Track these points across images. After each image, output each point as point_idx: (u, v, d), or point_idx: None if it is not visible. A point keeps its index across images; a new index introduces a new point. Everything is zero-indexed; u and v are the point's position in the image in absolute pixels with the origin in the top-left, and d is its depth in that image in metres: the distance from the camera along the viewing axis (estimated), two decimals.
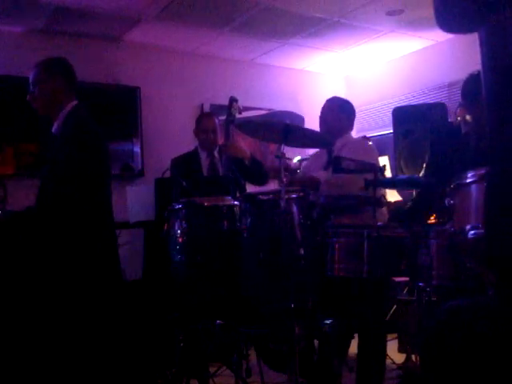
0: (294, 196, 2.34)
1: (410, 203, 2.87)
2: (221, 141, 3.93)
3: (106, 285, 2.58)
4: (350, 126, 3.37)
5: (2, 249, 2.55)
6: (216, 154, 3.98)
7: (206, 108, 5.57)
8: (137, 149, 5.18)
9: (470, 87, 2.80)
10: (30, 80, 2.72)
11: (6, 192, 3.45)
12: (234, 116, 3.49)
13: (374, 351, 2.60)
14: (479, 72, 2.86)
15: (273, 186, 3.58)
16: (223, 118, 3.81)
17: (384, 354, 2.76)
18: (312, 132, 2.69)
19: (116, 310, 2.62)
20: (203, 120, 4.06)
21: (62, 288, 2.47)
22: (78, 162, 2.53)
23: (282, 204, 2.20)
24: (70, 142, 2.56)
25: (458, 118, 2.90)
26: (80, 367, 2.45)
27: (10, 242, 2.56)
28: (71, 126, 2.62)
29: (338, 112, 3.29)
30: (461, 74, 2.91)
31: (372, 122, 6.38)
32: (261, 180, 3.80)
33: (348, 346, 2.89)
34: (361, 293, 2.47)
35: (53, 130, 2.70)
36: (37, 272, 2.48)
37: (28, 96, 2.72)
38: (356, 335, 2.72)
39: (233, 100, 3.48)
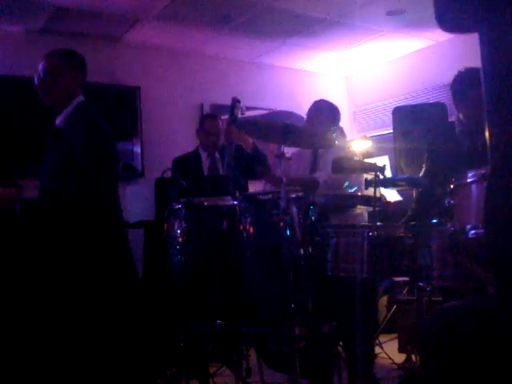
0: (293, 196, 2.34)
1: (412, 207, 2.86)
2: (222, 141, 3.93)
3: (120, 281, 2.57)
4: (335, 129, 3.47)
5: (15, 241, 2.54)
6: (217, 154, 3.97)
7: (206, 108, 5.57)
8: (137, 149, 5.18)
9: (459, 85, 2.80)
10: (45, 66, 2.63)
11: (21, 193, 3.43)
12: (237, 117, 3.49)
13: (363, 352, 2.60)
14: (466, 69, 2.86)
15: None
16: (225, 117, 3.80)
17: (372, 355, 2.77)
18: (312, 132, 2.69)
19: (129, 308, 2.61)
20: (207, 122, 4.05)
21: (72, 283, 2.45)
22: (97, 156, 2.49)
23: (282, 204, 2.20)
24: (85, 135, 2.50)
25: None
26: (81, 366, 2.45)
27: (25, 236, 2.55)
28: (83, 119, 2.56)
29: (326, 115, 3.34)
30: None
31: (372, 122, 6.39)
32: (259, 174, 3.77)
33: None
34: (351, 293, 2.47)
35: (57, 122, 2.64)
36: (49, 265, 2.47)
37: (37, 81, 2.64)
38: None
39: (235, 101, 3.48)
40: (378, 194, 2.46)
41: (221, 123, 4.01)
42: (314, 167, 3.36)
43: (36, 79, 2.65)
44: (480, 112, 2.70)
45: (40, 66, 2.65)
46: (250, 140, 3.68)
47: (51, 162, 2.62)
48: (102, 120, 2.60)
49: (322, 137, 2.82)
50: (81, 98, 2.67)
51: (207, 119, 4.15)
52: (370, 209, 2.59)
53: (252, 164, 3.64)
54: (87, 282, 2.45)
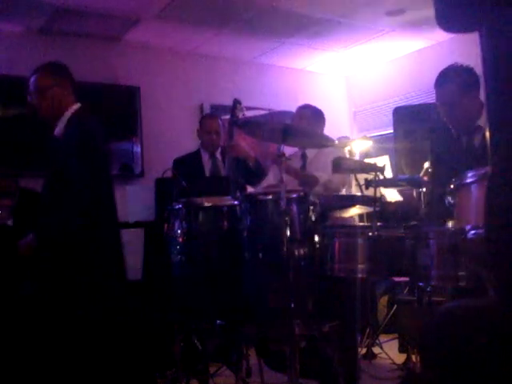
0: (294, 196, 2.34)
1: (424, 211, 2.85)
2: (223, 142, 3.94)
3: (110, 285, 2.58)
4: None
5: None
6: (218, 154, 3.99)
7: (206, 108, 5.57)
8: (137, 149, 5.18)
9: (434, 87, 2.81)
10: (33, 85, 2.68)
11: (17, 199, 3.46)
12: (238, 117, 3.50)
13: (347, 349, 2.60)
14: (454, 66, 2.86)
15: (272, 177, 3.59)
16: (225, 117, 3.80)
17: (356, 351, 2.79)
18: (312, 132, 2.70)
19: (119, 311, 2.62)
20: (206, 121, 4.07)
21: (65, 287, 2.47)
22: (85, 164, 2.52)
23: (282, 204, 2.20)
24: (74, 145, 2.54)
25: None
26: (80, 367, 2.45)
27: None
28: (75, 128, 2.60)
29: (309, 120, 3.37)
30: None
31: (372, 122, 6.38)
32: (258, 183, 3.81)
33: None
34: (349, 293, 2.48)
35: (55, 132, 2.68)
36: (42, 273, 2.49)
37: (30, 99, 2.69)
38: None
39: (236, 102, 3.49)
40: (378, 194, 2.46)
41: (221, 123, 4.02)
42: (302, 169, 3.38)
43: (28, 97, 2.71)
44: (450, 112, 2.69)
45: (30, 84, 2.70)
46: (253, 154, 3.71)
47: (48, 174, 2.68)
48: (95, 128, 2.64)
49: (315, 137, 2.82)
50: (75, 106, 2.70)
51: (206, 118, 4.18)
52: (370, 209, 2.59)
53: (252, 176, 3.68)
54: (76, 285, 2.49)
